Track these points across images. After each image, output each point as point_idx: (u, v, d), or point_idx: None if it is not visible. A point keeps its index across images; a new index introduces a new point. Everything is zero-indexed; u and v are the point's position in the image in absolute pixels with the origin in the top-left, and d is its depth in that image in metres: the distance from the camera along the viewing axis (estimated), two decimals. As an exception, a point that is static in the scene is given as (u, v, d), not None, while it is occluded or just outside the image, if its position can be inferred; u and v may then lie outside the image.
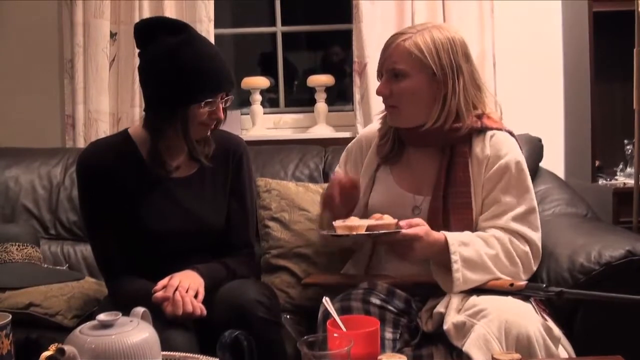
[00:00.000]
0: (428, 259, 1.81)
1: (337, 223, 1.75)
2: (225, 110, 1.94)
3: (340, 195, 1.86)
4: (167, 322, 1.70)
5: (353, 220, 1.76)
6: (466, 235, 1.79)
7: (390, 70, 1.85)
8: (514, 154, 1.89)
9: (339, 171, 2.05)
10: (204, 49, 1.88)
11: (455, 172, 1.87)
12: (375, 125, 2.05)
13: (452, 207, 1.85)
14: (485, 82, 2.84)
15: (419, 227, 1.73)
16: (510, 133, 1.94)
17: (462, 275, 1.72)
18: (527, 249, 1.82)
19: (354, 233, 1.72)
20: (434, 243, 1.75)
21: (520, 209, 1.84)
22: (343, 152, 2.13)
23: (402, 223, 1.73)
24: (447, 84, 1.83)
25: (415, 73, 1.82)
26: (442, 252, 1.75)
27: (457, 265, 1.72)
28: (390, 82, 1.86)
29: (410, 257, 1.77)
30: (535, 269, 1.85)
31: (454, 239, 1.76)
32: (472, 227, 1.86)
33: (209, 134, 1.95)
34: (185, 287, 1.79)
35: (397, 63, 1.84)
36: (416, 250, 1.74)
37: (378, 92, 1.89)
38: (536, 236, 1.85)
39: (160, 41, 1.85)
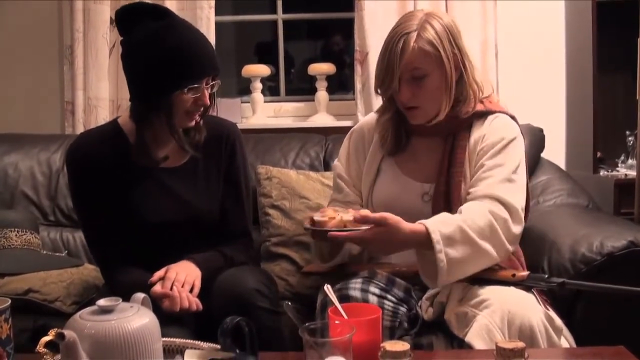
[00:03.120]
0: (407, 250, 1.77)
1: (315, 216, 1.74)
2: (213, 96, 1.91)
3: None
4: (162, 317, 1.69)
5: (325, 213, 1.73)
6: (444, 215, 1.75)
7: (409, 72, 1.80)
8: (512, 133, 1.86)
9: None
10: (186, 34, 1.84)
11: (457, 155, 1.86)
12: (374, 116, 2.03)
13: (453, 186, 1.84)
14: (487, 71, 2.87)
15: (365, 227, 1.66)
16: (512, 117, 1.93)
17: (445, 256, 1.65)
18: (506, 215, 1.74)
19: (311, 227, 1.73)
20: (408, 237, 1.68)
21: (502, 175, 1.79)
22: (343, 144, 2.08)
23: (345, 216, 1.69)
24: (458, 69, 1.83)
25: (433, 70, 1.80)
26: (424, 243, 1.68)
27: (439, 246, 1.65)
28: (410, 86, 1.81)
29: (377, 253, 1.79)
30: (516, 232, 1.76)
31: (434, 223, 1.70)
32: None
33: (199, 120, 1.91)
34: (181, 281, 1.78)
35: (416, 65, 1.79)
36: (373, 248, 1.74)
37: (404, 100, 1.82)
38: (516, 201, 1.77)
39: (140, 27, 1.82)
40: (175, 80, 1.80)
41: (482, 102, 1.90)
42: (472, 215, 1.72)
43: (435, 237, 1.66)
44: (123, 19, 1.86)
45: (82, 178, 1.91)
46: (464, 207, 1.76)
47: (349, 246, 1.89)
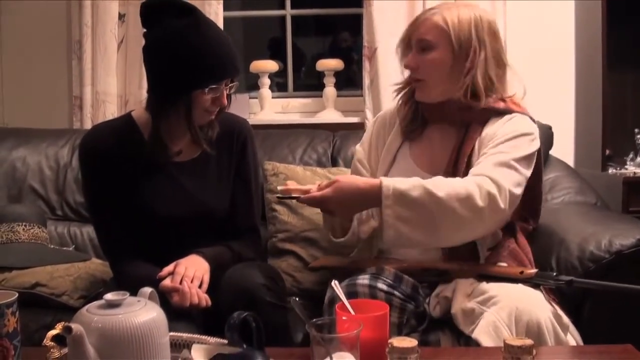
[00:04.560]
0: (364, 209, 1.85)
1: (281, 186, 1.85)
2: (229, 96, 1.92)
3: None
4: (170, 312, 1.69)
5: (290, 185, 1.83)
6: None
7: (417, 41, 1.87)
8: (527, 129, 1.84)
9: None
10: (210, 34, 1.84)
11: (466, 148, 1.86)
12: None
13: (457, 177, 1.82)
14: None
15: (326, 189, 1.73)
16: (532, 120, 1.91)
17: (392, 211, 1.68)
18: (494, 190, 1.69)
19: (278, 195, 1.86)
20: (362, 190, 1.73)
21: (500, 159, 1.75)
22: (367, 130, 2.11)
23: (313, 187, 1.76)
24: (468, 58, 1.83)
25: (441, 46, 1.84)
26: (377, 197, 1.71)
27: (388, 202, 1.69)
28: (417, 55, 1.87)
29: (338, 214, 1.83)
30: (504, 207, 1.70)
31: (391, 179, 1.74)
32: None
33: (214, 118, 1.93)
34: (190, 276, 1.78)
35: (424, 34, 1.85)
36: (335, 210, 1.77)
37: (406, 65, 1.90)
38: (507, 184, 1.71)
39: (166, 23, 1.82)
40: (197, 79, 1.81)
41: (504, 100, 1.88)
42: (448, 180, 1.73)
43: (386, 192, 1.69)
44: (148, 13, 1.86)
45: (94, 170, 1.92)
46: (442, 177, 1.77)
47: (358, 226, 1.96)
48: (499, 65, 1.88)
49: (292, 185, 1.82)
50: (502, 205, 1.70)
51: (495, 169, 1.73)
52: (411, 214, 1.69)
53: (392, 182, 1.71)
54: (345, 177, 1.77)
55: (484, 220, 1.71)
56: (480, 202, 1.67)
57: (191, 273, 1.79)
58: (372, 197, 1.72)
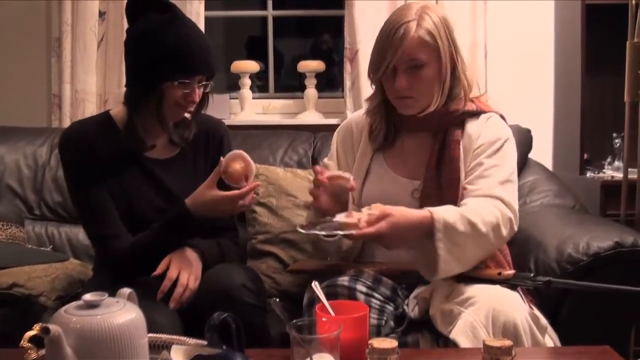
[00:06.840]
0: (416, 242, 1.78)
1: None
2: (207, 95, 1.94)
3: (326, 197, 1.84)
4: (151, 305, 1.69)
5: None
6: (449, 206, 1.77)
7: (407, 62, 1.81)
8: (507, 133, 1.90)
9: (321, 168, 1.89)
10: (185, 31, 1.88)
11: (450, 151, 1.87)
12: (362, 112, 2.03)
13: (445, 184, 1.84)
14: (476, 72, 2.88)
15: (376, 225, 1.66)
16: (502, 117, 1.95)
17: (444, 245, 1.68)
18: (511, 215, 1.77)
19: (310, 232, 1.75)
20: (415, 225, 1.70)
21: (502, 176, 1.81)
22: (332, 143, 2.07)
23: (362, 222, 1.67)
24: (452, 63, 1.84)
25: (431, 60, 1.81)
26: (428, 229, 1.70)
27: (440, 235, 1.68)
28: (407, 76, 1.82)
29: (392, 247, 1.76)
30: (517, 228, 1.80)
31: (440, 212, 1.72)
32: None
33: (189, 116, 1.94)
34: (184, 284, 1.82)
35: (416, 54, 1.80)
36: (388, 245, 1.73)
37: (399, 88, 1.82)
38: (515, 203, 1.81)
39: (145, 18, 1.87)
40: (166, 72, 1.83)
41: (472, 101, 1.91)
42: (480, 209, 1.75)
43: (438, 225, 1.68)
44: (131, 9, 1.92)
45: (76, 162, 1.91)
46: (470, 201, 1.78)
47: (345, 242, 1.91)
48: (463, 63, 1.90)
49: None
50: (515, 227, 1.80)
51: (503, 189, 1.80)
52: (458, 248, 1.70)
53: (442, 215, 1.70)
54: (395, 209, 1.70)
55: (501, 244, 1.82)
56: (504, 230, 1.76)
57: (184, 279, 1.81)
58: (423, 230, 1.71)
